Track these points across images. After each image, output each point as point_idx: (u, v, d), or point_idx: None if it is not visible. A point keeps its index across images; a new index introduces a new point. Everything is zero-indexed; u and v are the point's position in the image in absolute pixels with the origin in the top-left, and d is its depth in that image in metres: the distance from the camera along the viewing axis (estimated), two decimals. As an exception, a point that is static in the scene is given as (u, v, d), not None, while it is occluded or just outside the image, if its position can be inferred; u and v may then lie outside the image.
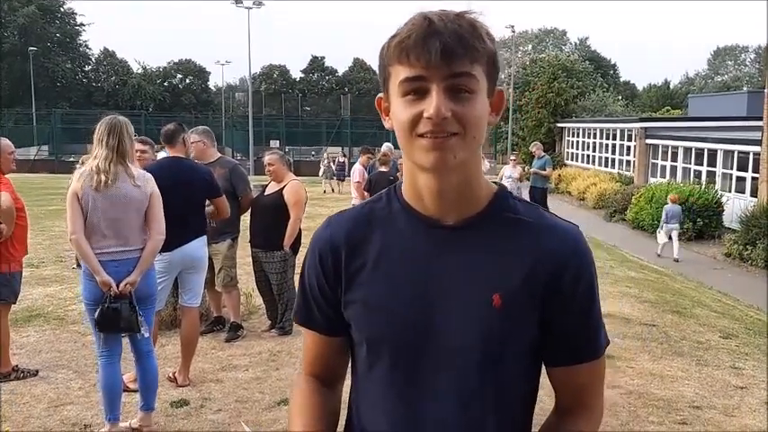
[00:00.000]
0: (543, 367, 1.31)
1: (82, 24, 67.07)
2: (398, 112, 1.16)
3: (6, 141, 5.06)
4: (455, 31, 1.10)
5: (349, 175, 12.98)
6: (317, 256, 1.32)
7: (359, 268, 1.27)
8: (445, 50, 1.09)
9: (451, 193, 1.21)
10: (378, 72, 1.24)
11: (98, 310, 3.80)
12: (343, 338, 1.34)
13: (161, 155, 5.63)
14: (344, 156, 28.74)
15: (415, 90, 1.13)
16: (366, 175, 9.95)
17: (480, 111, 1.15)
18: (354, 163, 11.93)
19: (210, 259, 5.72)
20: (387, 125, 1.24)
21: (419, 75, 1.12)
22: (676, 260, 13.37)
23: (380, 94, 1.25)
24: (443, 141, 1.12)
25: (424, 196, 1.23)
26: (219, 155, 6.29)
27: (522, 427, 1.29)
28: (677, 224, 13.91)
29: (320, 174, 25.63)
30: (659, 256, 13.86)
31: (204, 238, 5.08)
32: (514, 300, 1.20)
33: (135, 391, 4.43)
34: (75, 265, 9.56)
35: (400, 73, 1.14)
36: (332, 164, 25.93)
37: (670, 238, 13.83)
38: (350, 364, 1.39)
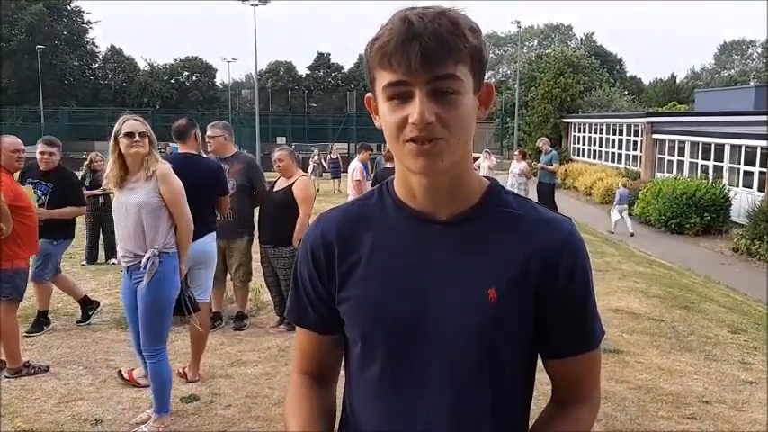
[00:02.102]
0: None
1: (89, 22, 67.25)
2: (385, 116, 1.16)
3: (11, 140, 5.08)
4: (435, 32, 1.08)
5: (345, 172, 12.91)
6: (310, 253, 1.31)
7: (353, 265, 1.27)
8: (425, 54, 1.07)
9: (443, 191, 1.22)
10: (364, 72, 1.22)
11: (188, 297, 4.08)
12: (336, 336, 1.34)
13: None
14: (336, 152, 26.17)
15: (400, 94, 1.12)
16: (365, 172, 9.96)
17: (466, 111, 1.14)
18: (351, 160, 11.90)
19: (221, 255, 5.75)
20: (377, 124, 1.23)
21: (401, 80, 1.10)
22: (632, 234, 15.45)
23: (369, 94, 1.24)
24: (430, 148, 1.12)
25: (416, 194, 1.23)
26: (236, 150, 6.38)
27: (519, 419, 1.30)
28: (626, 205, 16.36)
29: (309, 171, 23.19)
30: (612, 232, 15.74)
31: (213, 233, 5.11)
32: (510, 294, 1.20)
33: (146, 386, 4.47)
34: (84, 262, 9.62)
35: (383, 78, 1.13)
36: (323, 161, 25.17)
37: (622, 216, 16.02)
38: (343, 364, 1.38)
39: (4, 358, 5.03)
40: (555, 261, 1.22)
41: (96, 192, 9.52)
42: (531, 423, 1.32)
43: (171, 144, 26.22)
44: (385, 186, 1.32)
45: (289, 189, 5.97)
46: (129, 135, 3.79)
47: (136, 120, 3.90)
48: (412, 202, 1.25)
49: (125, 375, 4.80)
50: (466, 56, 1.12)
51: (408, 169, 1.18)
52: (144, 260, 3.83)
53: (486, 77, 1.21)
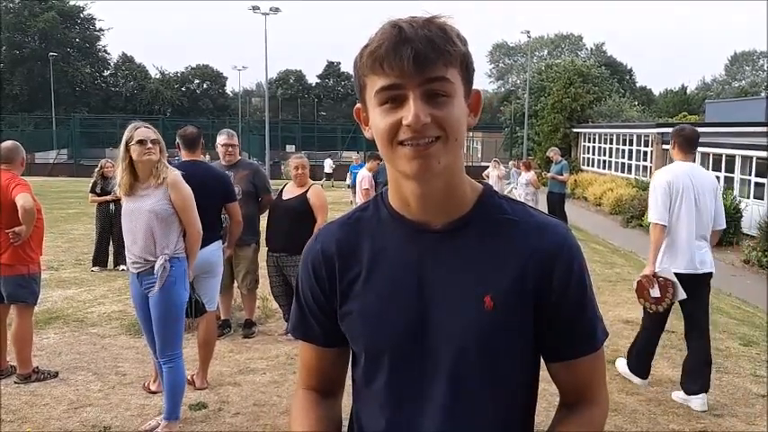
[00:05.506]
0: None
1: (101, 29, 67.70)
2: (377, 122, 1.16)
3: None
4: (426, 36, 1.10)
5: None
6: (311, 268, 1.32)
7: (353, 279, 1.28)
8: (417, 57, 1.09)
9: (437, 198, 1.21)
10: (354, 82, 1.23)
11: (195, 300, 4.23)
12: (341, 349, 1.36)
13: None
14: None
15: (393, 98, 1.13)
16: (374, 181, 10.00)
17: (459, 113, 1.15)
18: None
19: (227, 263, 5.75)
20: (367, 135, 1.23)
21: (394, 83, 1.11)
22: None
23: (358, 105, 1.24)
24: (426, 149, 1.12)
25: (410, 202, 1.23)
26: (240, 157, 6.41)
27: (522, 422, 1.30)
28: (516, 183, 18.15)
29: (348, 184, 21.77)
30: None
31: (219, 242, 5.11)
32: (506, 299, 1.20)
33: (156, 392, 4.47)
34: (93, 268, 9.66)
35: (376, 83, 1.14)
36: None
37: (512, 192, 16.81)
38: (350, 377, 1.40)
39: (13, 363, 5.06)
40: (551, 265, 1.22)
41: (108, 198, 9.57)
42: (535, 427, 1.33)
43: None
44: (380, 197, 1.33)
45: (303, 197, 5.95)
46: (142, 142, 3.83)
47: (146, 127, 3.96)
48: (406, 211, 1.25)
49: (153, 389, 4.76)
50: (456, 60, 1.13)
51: (403, 174, 1.17)
52: (156, 266, 3.86)
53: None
